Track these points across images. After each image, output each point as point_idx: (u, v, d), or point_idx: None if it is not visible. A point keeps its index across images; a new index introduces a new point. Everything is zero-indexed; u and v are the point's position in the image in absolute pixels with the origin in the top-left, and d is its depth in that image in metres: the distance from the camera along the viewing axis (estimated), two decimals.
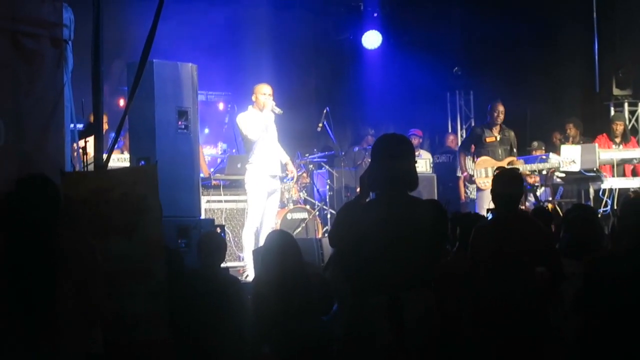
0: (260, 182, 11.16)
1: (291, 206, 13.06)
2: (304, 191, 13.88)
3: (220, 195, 12.42)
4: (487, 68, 18.06)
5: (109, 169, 7.51)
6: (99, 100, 7.75)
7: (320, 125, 14.34)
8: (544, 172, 13.25)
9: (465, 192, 15.61)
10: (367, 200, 5.46)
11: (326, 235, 12.52)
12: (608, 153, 13.67)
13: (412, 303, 5.19)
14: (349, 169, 15.00)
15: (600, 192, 13.04)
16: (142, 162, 9.17)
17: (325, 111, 14.15)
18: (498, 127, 12.61)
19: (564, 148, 13.54)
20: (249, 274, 10.75)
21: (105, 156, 7.66)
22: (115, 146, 10.37)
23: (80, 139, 8.71)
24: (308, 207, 13.42)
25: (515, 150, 12.76)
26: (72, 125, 8.10)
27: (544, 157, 13.48)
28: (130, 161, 9.79)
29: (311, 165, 14.30)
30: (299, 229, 12.79)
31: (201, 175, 12.70)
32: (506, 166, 12.14)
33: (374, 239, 5.24)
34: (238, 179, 12.22)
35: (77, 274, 4.87)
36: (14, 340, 4.72)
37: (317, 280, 7.17)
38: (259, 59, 17.45)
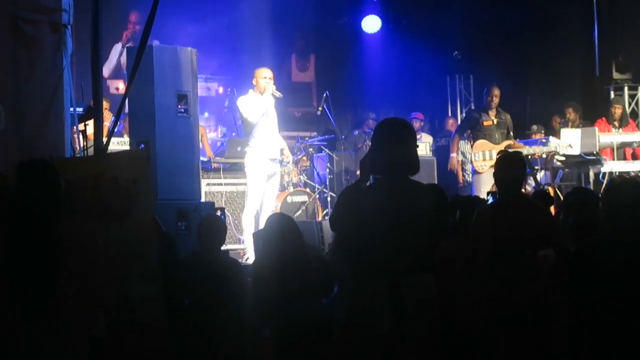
0: (259, 165, 11.18)
1: (291, 189, 13.07)
2: (304, 174, 13.88)
3: (220, 178, 12.43)
4: (487, 52, 18.06)
5: (96, 154, 7.51)
6: (98, 84, 7.76)
7: (320, 108, 14.36)
8: (544, 156, 13.25)
9: (463, 176, 15.61)
10: (368, 184, 5.46)
11: (326, 218, 12.55)
12: (608, 136, 13.70)
13: (412, 288, 5.20)
14: (348, 153, 15.01)
15: (601, 176, 13.06)
16: (142, 146, 9.19)
17: (325, 95, 14.16)
18: (495, 111, 12.61)
19: (564, 132, 13.55)
20: (249, 257, 10.77)
21: (105, 140, 7.68)
22: (116, 130, 10.39)
23: (80, 122, 8.72)
24: (308, 190, 13.43)
25: (511, 133, 12.75)
26: (71, 109, 8.10)
27: (543, 140, 13.48)
28: (130, 145, 9.81)
29: (311, 149, 14.31)
30: (299, 212, 12.80)
31: (204, 158, 12.76)
32: (505, 149, 12.18)
33: (375, 223, 5.25)
34: (238, 162, 12.24)
35: (79, 259, 4.89)
36: (17, 325, 4.75)
37: (317, 264, 7.18)
38: (259, 42, 17.46)
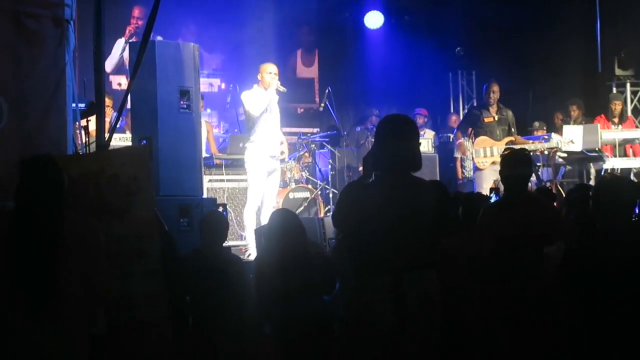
0: (259, 161, 11.18)
1: (293, 185, 13.07)
2: (306, 171, 13.87)
3: (223, 174, 12.42)
4: (489, 48, 18.05)
5: (97, 151, 7.51)
6: (101, 80, 7.76)
7: (323, 105, 14.35)
8: (546, 153, 13.25)
9: (462, 172, 15.62)
10: (370, 181, 5.46)
11: (328, 214, 12.54)
12: (610, 133, 13.69)
13: (414, 284, 5.19)
14: (351, 149, 15.00)
15: (602, 172, 13.04)
16: (144, 142, 9.18)
17: (327, 91, 14.15)
18: (495, 107, 12.60)
19: (566, 128, 13.55)
20: (251, 253, 10.77)
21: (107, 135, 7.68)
22: (118, 126, 10.39)
23: (82, 118, 8.72)
24: (310, 186, 13.42)
25: (514, 129, 12.74)
26: (74, 105, 8.10)
27: (545, 137, 13.48)
28: (132, 141, 9.80)
29: (313, 145, 14.29)
30: (301, 209, 12.79)
31: (207, 154, 12.75)
32: (506, 145, 12.18)
33: (377, 220, 5.24)
34: (240, 158, 12.22)
35: (81, 255, 4.88)
36: (19, 322, 4.74)
37: (319, 260, 7.17)
38: (261, 38, 17.45)
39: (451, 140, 15.75)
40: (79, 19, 8.25)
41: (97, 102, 7.89)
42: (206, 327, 7.30)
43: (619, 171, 13.09)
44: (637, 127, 15.33)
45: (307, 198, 13.00)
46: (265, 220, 10.69)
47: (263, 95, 11.18)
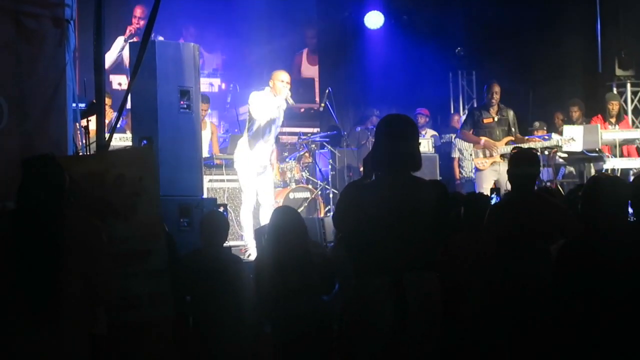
0: (248, 161, 11.21)
1: (293, 185, 13.07)
2: (306, 171, 13.88)
3: (223, 174, 12.41)
4: (490, 48, 18.05)
5: (102, 151, 7.51)
6: (101, 80, 7.76)
7: (323, 105, 14.34)
8: (546, 153, 13.24)
9: (460, 172, 15.62)
10: (370, 181, 5.46)
11: (328, 214, 12.54)
12: (610, 134, 13.69)
13: (414, 284, 5.19)
14: (351, 149, 15.00)
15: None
16: (144, 142, 9.18)
17: (327, 91, 14.13)
18: (495, 108, 12.57)
19: (566, 128, 13.54)
20: (251, 254, 10.77)
21: (107, 135, 7.68)
22: (118, 126, 10.39)
23: (82, 118, 8.72)
24: (310, 186, 13.42)
25: (514, 129, 12.71)
26: (74, 105, 8.10)
27: (546, 137, 13.47)
28: (133, 141, 9.80)
29: (313, 145, 14.29)
30: (301, 209, 12.79)
31: (208, 155, 12.76)
32: (505, 145, 12.18)
33: (377, 219, 5.24)
34: None
35: (82, 255, 4.88)
36: (19, 321, 4.74)
37: (320, 260, 7.17)
38: (261, 38, 17.48)
39: (453, 140, 15.77)
40: (79, 19, 8.25)
41: (97, 101, 7.89)
42: (206, 327, 7.29)
43: (618, 171, 13.09)
44: (633, 127, 15.35)
45: (307, 198, 13.01)
46: (264, 220, 10.69)
47: (272, 102, 11.14)
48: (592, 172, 13.29)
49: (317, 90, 18.48)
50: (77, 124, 8.41)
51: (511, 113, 12.71)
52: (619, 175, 12.76)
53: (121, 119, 11.41)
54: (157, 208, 6.54)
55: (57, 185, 4.94)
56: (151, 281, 6.30)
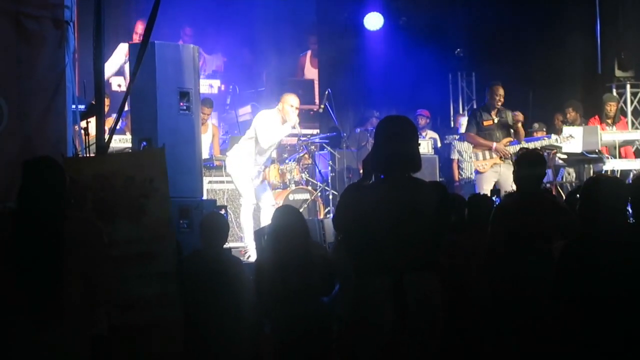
0: (242, 168, 11.28)
1: (293, 187, 13.06)
2: (305, 172, 13.86)
3: (222, 176, 12.41)
4: (489, 49, 18.04)
5: (113, 153, 7.52)
6: (101, 82, 7.75)
7: (322, 106, 14.34)
8: (546, 154, 13.23)
9: (460, 174, 15.62)
10: (370, 182, 5.46)
11: (328, 216, 12.55)
12: (610, 135, 13.69)
13: (415, 284, 5.21)
14: (350, 150, 14.99)
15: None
16: (144, 143, 9.16)
17: (327, 92, 14.13)
18: (495, 110, 12.54)
19: (566, 129, 13.53)
20: (251, 255, 10.78)
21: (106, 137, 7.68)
22: (118, 127, 10.38)
23: (82, 120, 8.71)
24: (310, 188, 13.41)
25: (512, 130, 12.67)
26: (73, 107, 8.09)
27: (545, 138, 13.47)
28: (132, 142, 9.78)
29: (313, 146, 14.28)
30: (301, 210, 12.76)
31: (208, 156, 12.77)
32: (505, 145, 12.16)
33: (377, 221, 5.25)
34: None
35: (83, 256, 4.89)
36: (20, 322, 4.74)
37: (320, 261, 7.18)
38: (261, 40, 17.48)
39: (453, 141, 15.77)
40: (79, 20, 8.25)
41: (96, 104, 7.89)
42: (206, 328, 7.29)
43: (618, 173, 13.09)
44: (632, 128, 15.36)
45: (307, 199, 13.00)
46: (264, 221, 10.69)
47: (279, 129, 11.23)
48: (591, 173, 13.31)
49: (316, 92, 18.47)
50: (77, 126, 8.40)
51: (510, 114, 12.66)
52: (618, 176, 12.76)
53: (121, 120, 11.40)
54: (167, 210, 6.55)
55: (57, 187, 4.95)
56: (159, 283, 6.32)
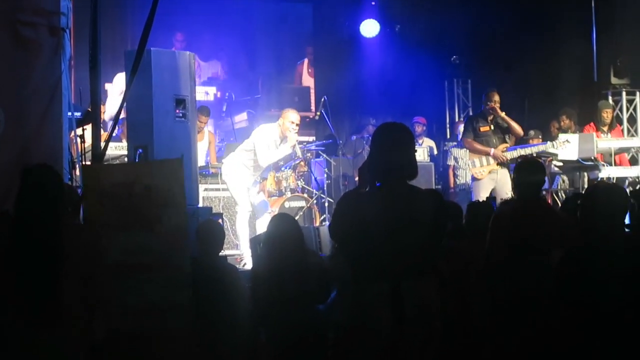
0: (238, 177, 11.31)
1: (289, 194, 13.04)
2: (301, 179, 13.85)
3: (218, 183, 12.41)
4: (485, 56, 18.06)
5: (132, 162, 7.52)
6: (97, 89, 7.76)
7: (318, 113, 14.35)
8: (541, 160, 13.23)
9: (455, 181, 15.64)
10: (367, 189, 5.46)
11: (324, 223, 12.55)
12: (606, 142, 13.70)
13: (412, 291, 5.20)
14: (346, 158, 15.00)
15: (598, 181, 13.04)
16: (140, 151, 9.16)
17: (323, 100, 14.13)
18: (492, 116, 12.53)
19: (562, 136, 13.53)
20: (247, 262, 10.77)
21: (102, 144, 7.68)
22: (114, 134, 10.38)
23: (77, 127, 8.71)
24: (306, 195, 13.40)
25: (509, 136, 12.66)
26: (69, 114, 8.09)
27: (540, 145, 13.47)
28: (128, 149, 9.78)
29: (309, 154, 14.27)
30: (297, 217, 12.76)
31: (204, 164, 12.77)
32: (502, 151, 12.16)
33: (374, 228, 5.25)
34: None
35: (81, 264, 4.90)
36: (18, 327, 4.75)
37: (316, 269, 7.18)
38: (257, 47, 17.48)
39: (453, 146, 15.79)
40: (75, 27, 8.25)
41: (92, 111, 7.89)
42: (202, 336, 7.27)
43: (614, 180, 13.09)
44: (628, 135, 15.38)
45: (303, 207, 12.99)
46: (261, 229, 10.69)
47: (277, 150, 11.32)
48: (586, 180, 13.31)
49: (312, 99, 18.48)
50: (73, 132, 8.41)
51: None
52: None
53: (117, 127, 11.39)
54: (184, 220, 6.56)
55: (54, 194, 4.96)
56: (172, 293, 6.32)
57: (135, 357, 6.09)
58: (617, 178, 13.23)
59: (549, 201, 12.92)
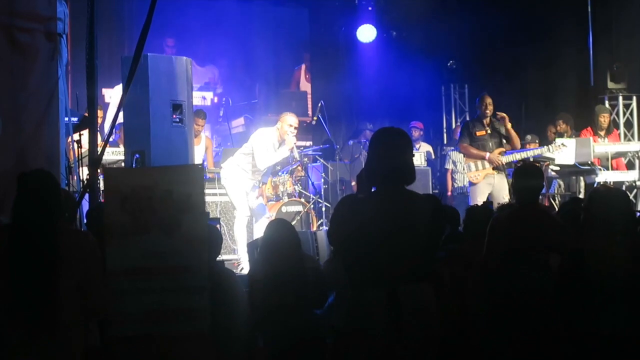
0: (236, 179, 11.31)
1: (286, 199, 13.04)
2: (298, 184, 13.85)
3: (215, 188, 12.41)
4: (482, 61, 18.08)
5: (152, 167, 7.52)
6: (94, 94, 7.76)
7: (315, 118, 14.35)
8: (538, 165, 13.23)
9: (453, 185, 15.65)
10: (364, 194, 5.46)
11: (321, 228, 12.54)
12: (602, 146, 13.71)
13: (409, 296, 5.20)
14: (343, 162, 14.99)
15: (595, 185, 13.04)
16: (137, 156, 9.16)
17: (320, 104, 14.14)
18: (488, 120, 12.53)
19: (558, 140, 13.54)
20: (244, 267, 10.76)
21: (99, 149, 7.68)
22: (111, 139, 10.38)
23: (74, 132, 8.71)
24: (303, 200, 13.39)
25: (504, 140, 12.65)
26: (66, 119, 8.10)
27: (537, 149, 13.48)
28: (125, 154, 9.79)
29: (306, 159, 14.27)
30: (294, 222, 12.75)
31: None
32: (498, 156, 12.16)
33: (372, 233, 5.24)
34: None
35: (77, 269, 4.89)
36: (15, 333, 4.75)
37: (313, 273, 7.18)
38: (254, 52, 17.48)
39: (452, 150, 15.80)
40: (72, 33, 8.25)
41: (89, 116, 7.89)
42: None
43: (611, 184, 13.10)
44: (625, 140, 15.40)
45: (300, 212, 12.98)
46: (258, 233, 10.69)
47: (275, 153, 11.30)
48: (583, 185, 13.32)
49: (309, 104, 18.48)
50: (70, 138, 8.41)
51: (501, 124, 12.65)
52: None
53: (114, 132, 11.40)
54: (204, 226, 6.56)
55: (51, 200, 4.96)
56: (190, 297, 6.32)
57: None
58: (613, 182, 13.24)
59: (546, 205, 12.91)
